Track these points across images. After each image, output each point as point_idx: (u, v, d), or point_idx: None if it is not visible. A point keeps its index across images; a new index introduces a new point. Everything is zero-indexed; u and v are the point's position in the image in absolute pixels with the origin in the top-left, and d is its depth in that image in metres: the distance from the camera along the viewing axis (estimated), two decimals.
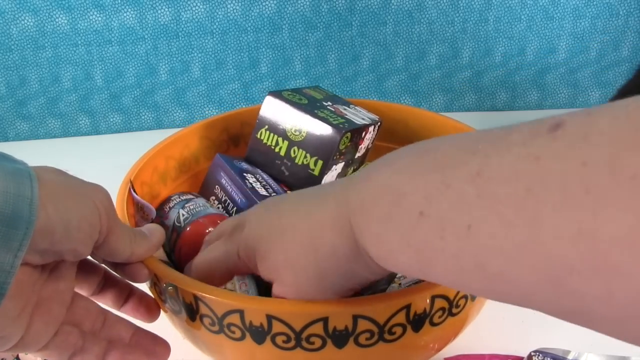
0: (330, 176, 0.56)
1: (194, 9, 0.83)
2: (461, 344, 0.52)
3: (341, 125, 0.54)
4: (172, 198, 0.54)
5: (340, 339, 0.36)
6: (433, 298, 0.37)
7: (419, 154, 0.27)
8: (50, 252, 0.30)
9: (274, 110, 0.55)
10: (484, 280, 0.23)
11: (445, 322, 0.39)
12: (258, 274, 0.36)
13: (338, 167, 0.57)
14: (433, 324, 0.39)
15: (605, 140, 0.19)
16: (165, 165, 0.56)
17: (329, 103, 0.59)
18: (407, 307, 0.36)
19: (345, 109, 0.59)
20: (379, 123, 0.60)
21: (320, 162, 0.54)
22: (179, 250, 0.50)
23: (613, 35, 0.87)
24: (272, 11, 0.85)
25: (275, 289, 0.35)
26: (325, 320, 0.35)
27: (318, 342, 0.36)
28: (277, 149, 0.56)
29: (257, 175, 0.56)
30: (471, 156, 0.23)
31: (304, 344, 0.36)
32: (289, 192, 0.36)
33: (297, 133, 0.54)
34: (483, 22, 0.85)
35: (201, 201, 0.54)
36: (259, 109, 0.56)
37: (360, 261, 0.30)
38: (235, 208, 0.55)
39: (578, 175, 0.19)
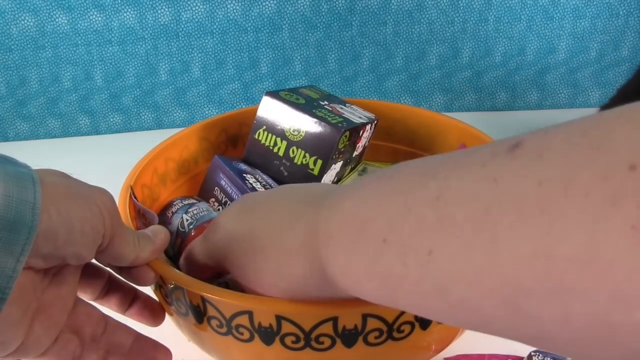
0: (329, 175, 0.56)
1: (194, 9, 0.83)
2: (461, 343, 0.52)
3: (340, 124, 0.53)
4: (175, 203, 0.54)
5: (349, 338, 0.36)
6: None
7: (383, 180, 0.26)
8: (54, 256, 0.30)
9: (271, 110, 0.55)
10: (446, 306, 0.22)
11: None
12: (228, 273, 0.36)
13: (337, 166, 0.57)
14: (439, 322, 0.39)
15: (560, 158, 0.18)
16: (165, 167, 0.56)
17: (326, 102, 0.59)
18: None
19: (342, 108, 0.59)
20: (375, 121, 0.60)
21: (319, 162, 0.54)
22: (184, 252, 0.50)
23: (613, 35, 0.87)
24: (272, 11, 0.85)
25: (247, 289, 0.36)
26: (335, 319, 0.35)
27: (327, 341, 0.36)
28: (275, 149, 0.55)
29: (257, 176, 0.56)
30: (431, 180, 0.23)
31: (314, 344, 0.36)
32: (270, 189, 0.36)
33: (296, 133, 0.54)
34: (483, 22, 0.85)
35: (204, 205, 0.54)
36: (257, 109, 0.56)
37: (329, 289, 0.30)
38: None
39: (534, 194, 0.19)
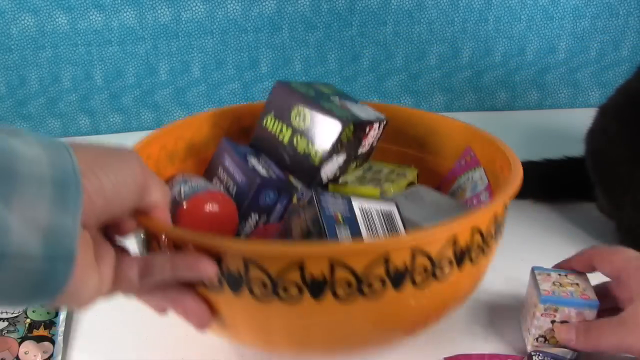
0: (330, 167, 0.57)
1: (194, 9, 0.83)
2: (461, 343, 0.52)
3: (344, 118, 0.54)
4: (176, 177, 0.56)
5: (317, 287, 0.37)
6: (414, 253, 0.37)
7: None
8: (105, 211, 0.34)
9: (281, 97, 0.56)
10: None
11: (429, 286, 0.39)
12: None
13: (339, 160, 0.57)
14: (414, 283, 0.39)
15: None
16: (174, 145, 0.57)
17: (337, 98, 0.60)
18: (386, 261, 0.37)
19: (351, 105, 0.60)
20: (384, 122, 0.60)
21: (320, 152, 0.55)
22: (179, 221, 0.51)
23: (613, 35, 0.87)
24: (272, 11, 0.85)
25: None
26: (301, 265, 0.36)
27: (294, 291, 0.37)
28: (280, 137, 0.57)
29: (260, 159, 0.57)
30: None
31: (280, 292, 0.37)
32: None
33: (301, 122, 0.55)
34: (483, 22, 0.85)
35: (203, 181, 0.55)
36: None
37: None
38: (235, 188, 0.55)
39: None
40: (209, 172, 0.59)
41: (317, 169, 0.56)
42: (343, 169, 0.59)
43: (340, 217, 0.44)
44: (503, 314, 0.55)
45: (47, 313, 0.55)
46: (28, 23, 0.82)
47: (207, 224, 0.51)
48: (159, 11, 0.83)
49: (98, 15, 0.82)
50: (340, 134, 0.54)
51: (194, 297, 0.41)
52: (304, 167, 0.56)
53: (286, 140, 0.56)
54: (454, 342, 0.53)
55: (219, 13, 0.84)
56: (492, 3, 0.83)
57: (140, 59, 0.86)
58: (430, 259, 0.38)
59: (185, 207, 0.51)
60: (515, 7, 0.84)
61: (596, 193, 0.67)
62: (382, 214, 0.46)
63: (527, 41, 0.87)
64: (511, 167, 0.49)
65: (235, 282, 0.38)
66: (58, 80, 0.87)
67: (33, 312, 0.55)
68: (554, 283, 0.48)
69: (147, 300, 0.41)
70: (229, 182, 0.56)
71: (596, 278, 0.51)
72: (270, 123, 0.57)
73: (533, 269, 0.50)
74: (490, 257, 0.45)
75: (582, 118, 0.68)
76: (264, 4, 0.84)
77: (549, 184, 0.71)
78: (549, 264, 0.53)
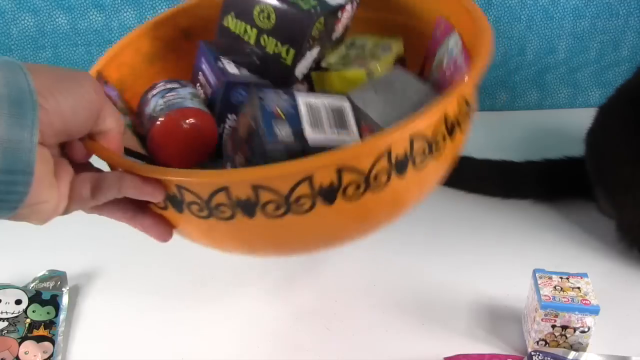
0: (304, 63, 0.53)
1: None
2: (461, 344, 0.52)
3: (313, 10, 0.49)
4: (158, 85, 0.53)
5: (328, 194, 0.37)
6: (411, 140, 0.38)
7: None
8: (63, 132, 0.35)
9: None
10: None
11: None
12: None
13: (313, 53, 0.53)
14: (414, 165, 0.39)
15: None
16: (150, 47, 0.58)
17: None
18: (389, 154, 0.37)
19: None
20: (356, 0, 0.55)
21: (292, 51, 0.51)
22: (151, 141, 0.50)
23: (613, 35, 0.87)
24: None
25: None
26: (309, 178, 0.36)
27: (307, 202, 0.37)
28: (246, 38, 0.52)
29: (233, 60, 0.54)
30: None
31: (294, 207, 0.37)
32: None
33: (266, 20, 0.50)
34: None
35: (185, 91, 0.52)
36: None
37: None
38: (210, 90, 0.53)
39: None
40: (193, 78, 0.57)
41: (290, 69, 0.52)
42: (318, 59, 0.55)
43: (280, 112, 0.42)
44: (503, 314, 0.55)
45: (47, 313, 0.55)
46: (28, 23, 0.82)
47: (183, 141, 0.50)
48: (159, 11, 0.82)
49: (98, 15, 0.82)
50: (311, 29, 0.49)
51: (151, 214, 0.43)
52: (276, 68, 0.52)
53: (252, 40, 0.52)
54: (454, 342, 0.53)
55: None
56: (492, 3, 0.83)
57: None
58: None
59: (157, 125, 0.49)
60: (515, 7, 0.84)
61: (596, 193, 0.67)
62: (331, 110, 0.45)
63: (527, 41, 0.87)
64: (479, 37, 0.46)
65: (177, 204, 0.39)
66: None
67: (33, 312, 0.55)
68: (554, 287, 0.48)
69: (107, 215, 0.43)
70: (207, 87, 0.54)
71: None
72: (232, 24, 0.52)
73: (534, 272, 0.50)
74: (451, 151, 0.44)
75: (582, 118, 0.68)
76: None
77: (549, 184, 0.71)
78: (549, 264, 0.53)
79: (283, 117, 0.42)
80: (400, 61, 0.55)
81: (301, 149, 0.42)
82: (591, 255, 0.61)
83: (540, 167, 0.71)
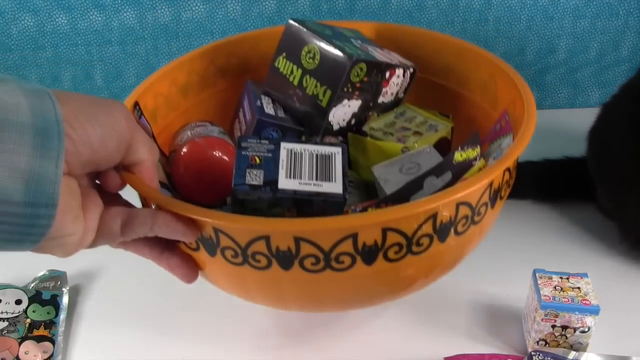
0: (341, 111, 0.53)
1: (194, 9, 0.83)
2: (461, 343, 0.52)
3: (355, 55, 0.50)
4: (190, 124, 0.55)
5: (370, 254, 0.36)
6: (457, 206, 0.37)
7: None
8: (90, 161, 0.34)
9: (293, 36, 0.53)
10: None
11: (468, 231, 0.39)
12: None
13: (352, 105, 0.53)
14: (457, 233, 0.39)
15: None
16: (187, 78, 0.58)
17: (358, 41, 0.55)
18: (434, 217, 0.37)
19: (374, 49, 0.55)
20: (411, 69, 0.55)
21: (328, 92, 0.51)
22: (176, 168, 0.49)
23: (613, 35, 0.87)
24: (272, 11, 0.84)
25: None
26: (354, 236, 0.35)
27: (348, 260, 0.36)
28: (291, 78, 0.53)
29: (276, 100, 0.55)
30: None
31: (334, 264, 0.36)
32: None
33: (311, 60, 0.52)
34: (483, 22, 0.85)
35: (213, 127, 0.53)
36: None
37: None
38: (245, 127, 0.54)
39: None
40: (235, 113, 0.58)
41: (324, 111, 0.52)
42: (360, 118, 0.55)
43: (257, 159, 0.42)
44: (503, 314, 0.55)
45: (47, 313, 0.55)
46: (28, 23, 0.82)
47: (205, 170, 0.49)
48: (159, 11, 0.83)
49: (98, 15, 0.82)
50: (349, 71, 0.49)
51: (179, 253, 0.42)
52: (312, 110, 0.53)
53: (296, 81, 0.53)
54: (454, 342, 0.53)
55: (219, 13, 0.84)
56: (492, 3, 0.83)
57: (140, 59, 0.86)
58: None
59: (182, 152, 0.49)
60: (515, 7, 0.84)
61: (597, 193, 0.66)
62: (317, 158, 0.44)
63: (527, 41, 0.87)
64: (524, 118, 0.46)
65: (210, 247, 0.38)
66: (58, 80, 0.87)
67: (33, 312, 0.55)
68: (555, 287, 0.48)
69: (133, 251, 0.42)
70: (242, 123, 0.55)
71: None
72: (282, 64, 0.53)
73: (535, 272, 0.50)
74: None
75: (582, 118, 0.68)
76: (264, 4, 0.84)
77: (549, 184, 0.71)
78: (549, 264, 0.53)
79: (258, 162, 0.42)
80: (444, 142, 0.55)
81: (271, 195, 0.41)
82: (591, 255, 0.61)
83: (540, 167, 0.71)
